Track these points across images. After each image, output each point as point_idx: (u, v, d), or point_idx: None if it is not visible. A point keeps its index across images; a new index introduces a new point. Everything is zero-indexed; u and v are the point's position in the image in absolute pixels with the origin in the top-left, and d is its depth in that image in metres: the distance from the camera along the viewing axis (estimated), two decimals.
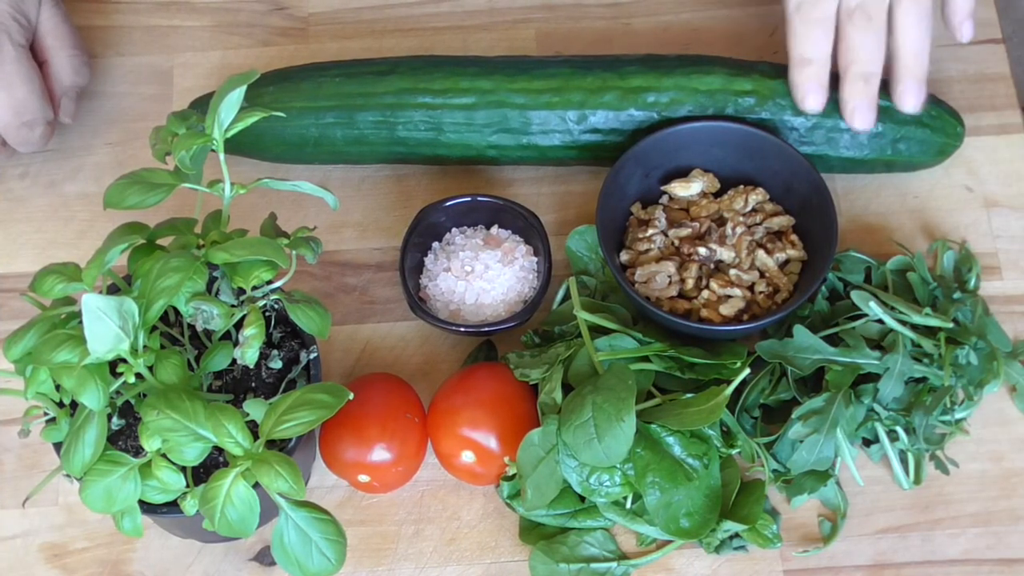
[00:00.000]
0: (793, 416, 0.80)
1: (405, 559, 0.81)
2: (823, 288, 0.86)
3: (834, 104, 0.87)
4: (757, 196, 0.87)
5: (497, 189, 0.92)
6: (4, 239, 0.92)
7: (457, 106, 0.89)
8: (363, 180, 0.94)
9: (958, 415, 0.83)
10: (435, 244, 0.89)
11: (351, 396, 0.70)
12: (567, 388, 0.80)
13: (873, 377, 0.81)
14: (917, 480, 0.82)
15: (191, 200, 0.75)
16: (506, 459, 0.80)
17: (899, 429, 0.81)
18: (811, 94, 0.86)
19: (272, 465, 0.67)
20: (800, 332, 0.81)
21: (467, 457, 0.80)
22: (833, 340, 0.83)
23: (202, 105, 0.90)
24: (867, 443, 0.83)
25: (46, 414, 0.73)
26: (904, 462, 0.82)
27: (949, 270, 0.88)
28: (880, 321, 0.82)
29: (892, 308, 0.82)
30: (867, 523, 0.82)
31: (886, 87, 0.87)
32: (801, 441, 0.80)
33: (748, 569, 0.80)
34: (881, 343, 0.82)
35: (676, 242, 0.86)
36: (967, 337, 0.82)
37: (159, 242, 0.75)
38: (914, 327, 0.82)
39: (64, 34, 0.91)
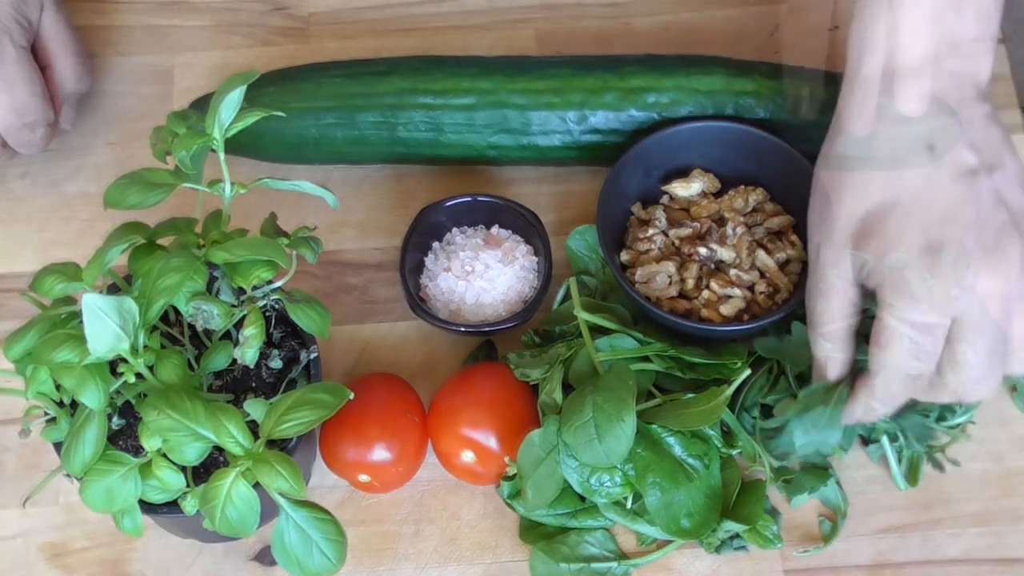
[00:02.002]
0: (800, 395, 0.78)
1: (405, 559, 0.81)
2: None
3: (831, 101, 0.87)
4: (757, 196, 0.87)
5: (497, 189, 0.92)
6: (4, 238, 0.92)
7: (457, 106, 0.89)
8: (363, 180, 0.94)
9: (958, 420, 0.82)
10: (435, 244, 0.89)
11: (351, 396, 0.70)
12: (567, 388, 0.80)
13: None
14: (913, 481, 0.82)
15: (191, 200, 0.75)
16: (506, 459, 0.80)
17: (897, 431, 0.81)
18: (830, 367, 0.77)
19: (272, 465, 0.67)
20: (799, 329, 0.81)
21: (467, 457, 0.80)
22: None
23: (202, 105, 0.90)
24: (865, 442, 0.83)
25: (46, 414, 0.73)
26: (901, 462, 0.82)
27: None
28: None
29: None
30: (867, 523, 0.82)
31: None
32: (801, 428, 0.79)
33: (748, 569, 0.80)
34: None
35: (676, 242, 0.86)
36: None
37: (159, 242, 0.75)
38: None
39: (67, 40, 0.91)
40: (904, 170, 0.73)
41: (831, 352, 0.76)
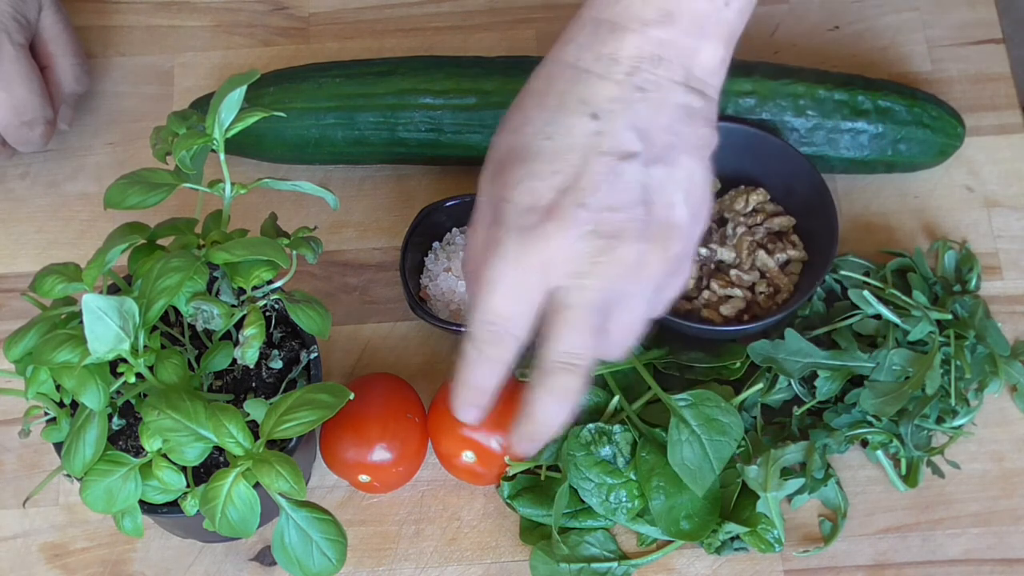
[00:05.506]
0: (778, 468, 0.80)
1: (405, 559, 0.82)
2: (819, 290, 0.85)
3: (834, 104, 0.87)
4: (758, 196, 0.87)
5: None
6: (5, 239, 0.92)
7: (458, 107, 0.89)
8: (364, 180, 0.94)
9: (958, 422, 0.82)
10: (436, 244, 0.89)
11: (352, 396, 0.69)
12: None
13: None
14: (913, 483, 0.82)
15: (192, 200, 0.75)
16: (506, 459, 0.80)
17: (893, 438, 0.81)
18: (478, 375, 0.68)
19: (273, 465, 0.67)
20: (791, 336, 0.81)
21: (468, 457, 0.80)
22: (830, 342, 0.83)
23: (203, 105, 0.90)
24: (865, 443, 0.83)
25: (47, 414, 0.73)
26: (899, 466, 0.83)
27: (950, 270, 0.88)
28: (877, 317, 0.82)
29: (889, 302, 0.82)
30: (868, 523, 0.82)
31: (879, 89, 0.88)
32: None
33: (749, 569, 0.80)
34: (877, 340, 0.82)
35: None
36: (966, 330, 0.82)
37: (160, 242, 0.75)
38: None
39: (66, 41, 0.91)
40: (560, 122, 0.65)
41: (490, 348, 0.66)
